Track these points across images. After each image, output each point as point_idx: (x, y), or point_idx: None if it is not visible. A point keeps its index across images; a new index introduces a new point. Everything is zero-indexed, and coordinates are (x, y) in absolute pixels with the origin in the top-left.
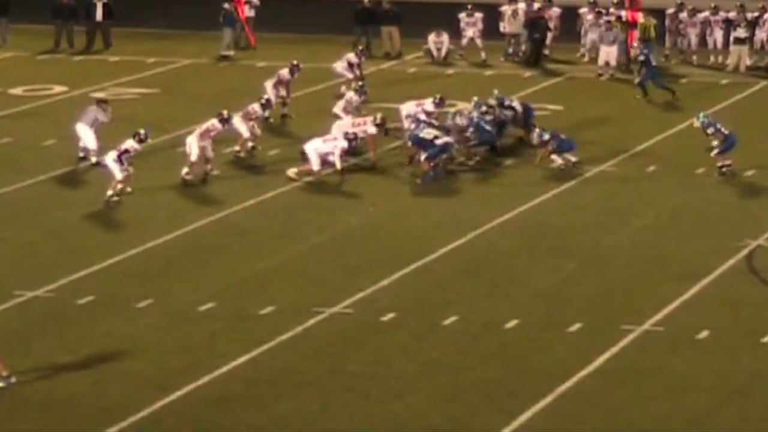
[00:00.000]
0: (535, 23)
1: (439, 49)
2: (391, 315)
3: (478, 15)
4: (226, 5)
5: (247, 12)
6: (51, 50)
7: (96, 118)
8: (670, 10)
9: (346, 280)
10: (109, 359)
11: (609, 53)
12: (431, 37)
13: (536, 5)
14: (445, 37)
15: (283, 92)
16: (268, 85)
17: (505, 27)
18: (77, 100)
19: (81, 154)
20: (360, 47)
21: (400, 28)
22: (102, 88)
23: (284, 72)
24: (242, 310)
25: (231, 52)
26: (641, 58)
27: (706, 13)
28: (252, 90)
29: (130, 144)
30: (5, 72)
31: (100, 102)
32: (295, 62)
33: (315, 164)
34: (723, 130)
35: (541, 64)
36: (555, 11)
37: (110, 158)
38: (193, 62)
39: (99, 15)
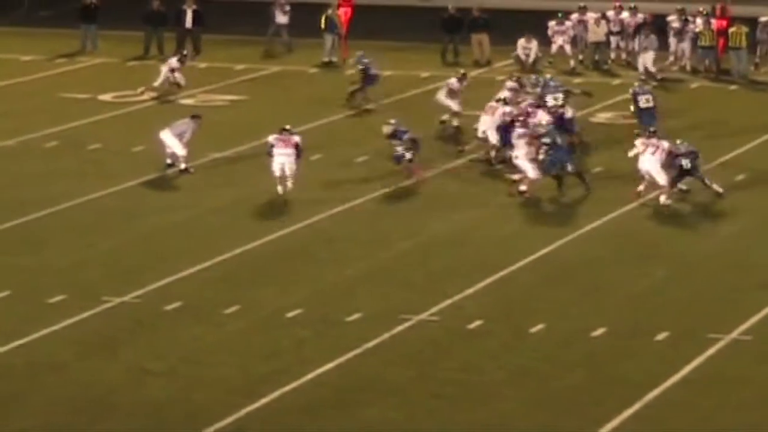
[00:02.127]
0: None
1: (527, 55)
2: (478, 322)
3: (568, 23)
4: (330, 11)
5: (279, 18)
6: (141, 56)
7: (185, 131)
8: (763, 18)
9: (433, 287)
10: (197, 365)
11: (645, 59)
12: (520, 42)
13: (624, 13)
14: (534, 43)
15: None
16: (441, 96)
17: (590, 35)
18: (167, 107)
19: (169, 161)
20: (462, 72)
21: (489, 36)
22: (191, 94)
23: (453, 81)
24: (329, 316)
25: (334, 58)
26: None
27: None
28: (339, 98)
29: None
30: (95, 78)
31: (195, 117)
32: (462, 71)
33: (531, 172)
34: None
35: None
36: (639, 18)
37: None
38: (283, 69)
39: (189, 21)
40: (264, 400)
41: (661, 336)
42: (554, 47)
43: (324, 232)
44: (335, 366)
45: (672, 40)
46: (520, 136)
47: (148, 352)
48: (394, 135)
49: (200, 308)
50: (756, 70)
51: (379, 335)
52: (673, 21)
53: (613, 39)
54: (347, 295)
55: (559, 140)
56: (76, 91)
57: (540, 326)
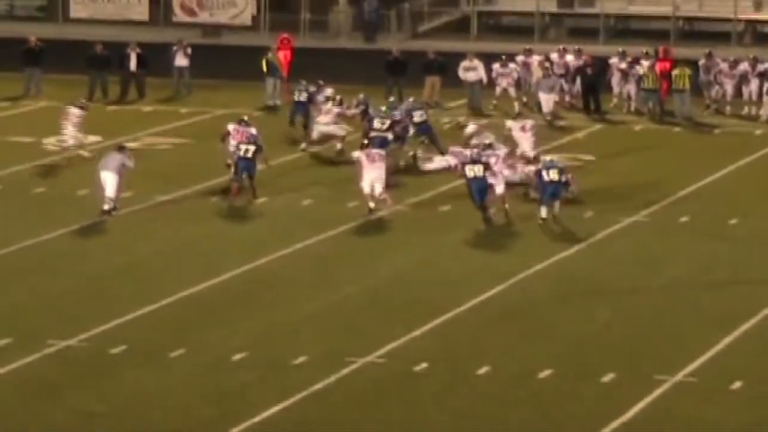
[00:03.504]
0: (583, 71)
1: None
2: (423, 365)
3: (512, 65)
4: (269, 54)
5: (180, 61)
6: (85, 100)
7: (123, 164)
8: (702, 61)
9: (379, 330)
10: (142, 408)
11: (547, 100)
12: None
13: (569, 56)
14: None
15: None
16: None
17: (534, 78)
18: (111, 150)
19: (106, 207)
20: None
21: (442, 79)
22: (136, 137)
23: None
24: (275, 359)
25: (277, 101)
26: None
27: (745, 65)
28: (281, 140)
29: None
30: (39, 122)
31: (123, 148)
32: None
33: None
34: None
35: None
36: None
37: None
38: (228, 112)
39: (133, 65)
40: None
41: (607, 377)
42: (498, 90)
43: (270, 274)
44: (281, 409)
45: (615, 82)
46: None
47: (93, 395)
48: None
49: (146, 351)
50: (706, 111)
51: (325, 378)
52: (617, 63)
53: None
54: (293, 338)
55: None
56: (20, 135)
57: (486, 368)
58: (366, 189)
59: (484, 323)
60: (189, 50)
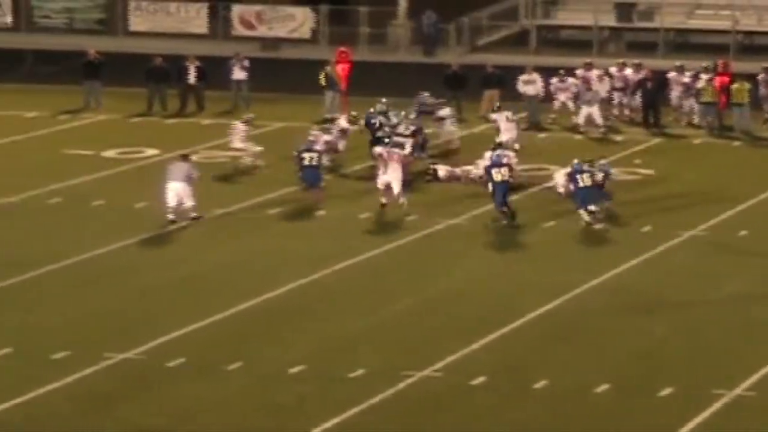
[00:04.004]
0: (643, 85)
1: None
2: (480, 378)
3: (571, 80)
4: (328, 68)
5: (238, 74)
6: (144, 113)
7: (190, 174)
8: (761, 75)
9: (436, 343)
10: (198, 422)
11: (587, 113)
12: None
13: (627, 70)
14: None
15: None
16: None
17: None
18: (175, 160)
19: (171, 217)
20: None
21: (501, 92)
22: (194, 150)
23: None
24: (331, 372)
25: (335, 115)
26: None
27: None
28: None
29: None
30: (98, 134)
31: (187, 157)
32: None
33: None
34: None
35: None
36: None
37: None
38: (286, 125)
39: (192, 78)
40: None
41: (664, 392)
42: (556, 104)
43: (327, 287)
44: (338, 422)
45: (673, 96)
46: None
47: (149, 408)
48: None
49: (203, 365)
50: (765, 125)
51: (382, 391)
52: (676, 77)
53: (616, 95)
54: (350, 351)
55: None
56: (79, 148)
57: (543, 382)
58: (380, 186)
59: (541, 337)
60: (246, 63)
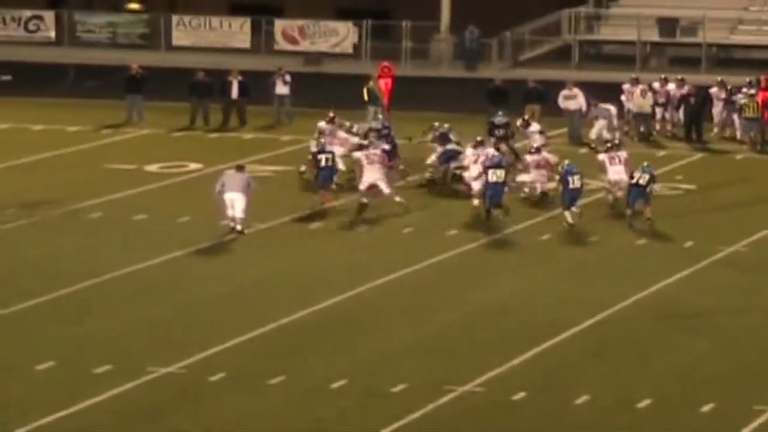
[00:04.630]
0: (686, 100)
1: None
2: (522, 394)
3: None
4: (370, 83)
5: (280, 89)
6: (186, 127)
7: (248, 183)
8: None
9: (477, 358)
10: None
11: (597, 127)
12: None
13: (670, 85)
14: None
15: None
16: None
17: (632, 106)
18: (212, 177)
19: (233, 225)
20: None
21: (542, 107)
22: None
23: (322, 124)
24: (373, 387)
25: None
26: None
27: None
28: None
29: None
30: (141, 149)
31: (242, 168)
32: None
33: None
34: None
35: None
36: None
37: None
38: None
39: (234, 92)
40: None
41: (706, 407)
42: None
43: (369, 302)
44: None
45: (716, 111)
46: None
47: (191, 422)
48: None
49: (244, 379)
50: None
51: (423, 406)
52: (718, 92)
53: (658, 110)
54: (391, 366)
55: None
56: (121, 162)
57: (585, 397)
58: (363, 188)
59: (582, 352)
60: (288, 78)
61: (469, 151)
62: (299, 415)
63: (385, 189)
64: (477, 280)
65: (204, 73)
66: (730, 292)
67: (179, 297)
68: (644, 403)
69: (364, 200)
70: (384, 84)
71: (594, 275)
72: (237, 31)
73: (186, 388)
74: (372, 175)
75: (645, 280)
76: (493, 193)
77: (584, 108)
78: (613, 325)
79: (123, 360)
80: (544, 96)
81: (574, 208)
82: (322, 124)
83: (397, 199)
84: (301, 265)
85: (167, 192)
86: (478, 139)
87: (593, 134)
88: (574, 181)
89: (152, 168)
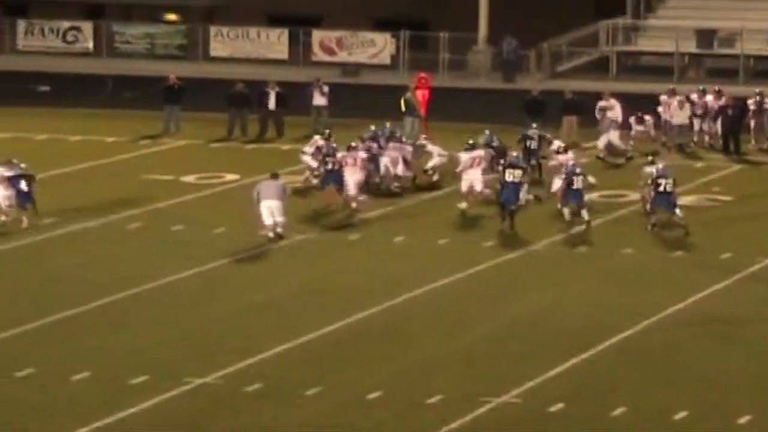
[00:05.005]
0: (724, 112)
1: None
2: (559, 405)
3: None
4: (408, 94)
5: (318, 100)
6: (224, 138)
7: (284, 190)
8: None
9: (514, 369)
10: None
11: (611, 139)
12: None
13: (708, 96)
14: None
15: None
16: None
17: (671, 117)
18: (248, 188)
19: (271, 235)
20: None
21: (579, 118)
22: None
23: (317, 138)
24: (410, 398)
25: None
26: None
27: None
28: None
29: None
30: (178, 159)
31: (277, 175)
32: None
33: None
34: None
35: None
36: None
37: None
38: None
39: (272, 104)
40: None
41: (743, 419)
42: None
43: (406, 313)
44: None
45: (752, 122)
46: None
47: None
48: None
49: (281, 389)
50: None
51: (460, 418)
52: (753, 103)
53: (696, 122)
54: (428, 377)
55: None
56: (159, 173)
57: (622, 409)
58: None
59: (619, 363)
60: (326, 89)
61: (464, 156)
62: (336, 426)
63: (351, 189)
64: (513, 292)
65: (242, 84)
66: (767, 303)
67: (216, 307)
68: (681, 414)
69: (354, 205)
70: (421, 95)
71: (630, 286)
72: (275, 42)
73: (222, 398)
74: (350, 176)
75: (681, 291)
76: (508, 194)
77: (620, 119)
78: (649, 336)
79: (159, 370)
80: (582, 107)
81: (575, 211)
82: (318, 139)
83: (363, 200)
84: (338, 275)
85: (204, 203)
86: (470, 142)
87: (601, 144)
88: (578, 182)
89: (189, 179)
